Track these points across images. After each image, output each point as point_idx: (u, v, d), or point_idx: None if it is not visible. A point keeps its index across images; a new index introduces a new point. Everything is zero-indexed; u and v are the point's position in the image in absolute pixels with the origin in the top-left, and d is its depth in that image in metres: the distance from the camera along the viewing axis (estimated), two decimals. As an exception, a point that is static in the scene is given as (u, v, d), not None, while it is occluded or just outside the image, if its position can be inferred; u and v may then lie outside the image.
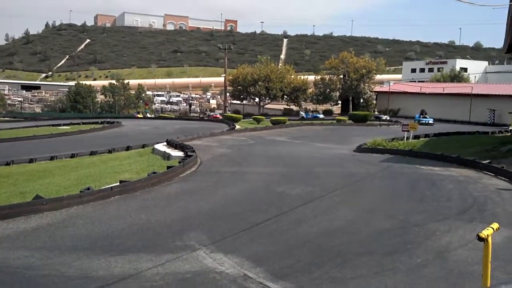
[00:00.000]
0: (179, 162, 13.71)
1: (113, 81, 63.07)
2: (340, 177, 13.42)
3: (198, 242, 7.04)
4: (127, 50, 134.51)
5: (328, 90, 52.83)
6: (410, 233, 7.76)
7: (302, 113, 50.62)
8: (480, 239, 3.55)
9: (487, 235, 3.58)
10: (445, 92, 45.82)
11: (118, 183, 10.76)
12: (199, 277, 5.73)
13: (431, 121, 38.58)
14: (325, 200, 10.34)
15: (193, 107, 66.35)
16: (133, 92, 62.01)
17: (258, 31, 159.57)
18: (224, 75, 55.95)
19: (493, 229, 3.72)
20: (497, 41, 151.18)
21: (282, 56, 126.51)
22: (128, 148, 22.13)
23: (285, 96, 53.16)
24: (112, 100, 59.78)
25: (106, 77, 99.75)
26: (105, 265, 6.13)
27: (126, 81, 62.56)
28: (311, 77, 58.25)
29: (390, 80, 63.19)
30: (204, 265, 6.16)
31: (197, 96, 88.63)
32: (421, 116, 39.54)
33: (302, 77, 55.65)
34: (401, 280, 5.72)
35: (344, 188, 11.82)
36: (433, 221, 8.41)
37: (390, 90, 49.75)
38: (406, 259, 6.46)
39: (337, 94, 53.95)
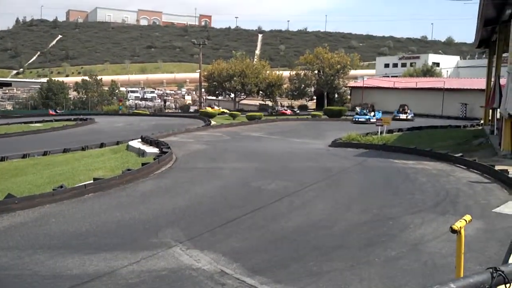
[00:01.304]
0: (154, 159, 13.61)
1: (86, 78, 62.11)
2: (316, 172, 13.49)
3: (174, 239, 7.00)
4: (100, 46, 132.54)
5: (303, 85, 53.00)
6: (384, 226, 7.85)
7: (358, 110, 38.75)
8: (453, 231, 3.59)
9: (460, 227, 3.62)
10: (418, 86, 46.43)
11: (92, 181, 10.61)
12: (175, 274, 5.70)
13: (410, 116, 37.11)
14: (301, 195, 10.39)
15: (168, 103, 65.78)
16: (106, 88, 61.18)
17: (232, 27, 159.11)
18: (199, 70, 55.63)
19: (465, 221, 3.76)
20: (469, 36, 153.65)
21: (257, 52, 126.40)
22: (102, 145, 21.86)
23: (261, 92, 53.15)
24: (85, 96, 58.89)
25: (79, 73, 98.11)
26: (79, 263, 6.05)
27: (99, 77, 61.67)
28: (286, 73, 58.34)
29: (364, 75, 63.74)
30: (180, 262, 6.12)
31: (172, 92, 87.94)
32: (401, 111, 38.05)
33: (277, 72, 55.71)
34: (376, 273, 5.78)
35: (319, 182, 11.88)
36: (407, 214, 8.53)
37: (364, 85, 50.21)
38: (381, 251, 6.53)
39: (312, 89, 54.17)
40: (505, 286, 1.50)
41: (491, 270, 1.47)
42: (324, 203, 9.78)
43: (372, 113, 36.03)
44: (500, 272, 1.44)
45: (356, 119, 35.47)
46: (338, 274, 5.73)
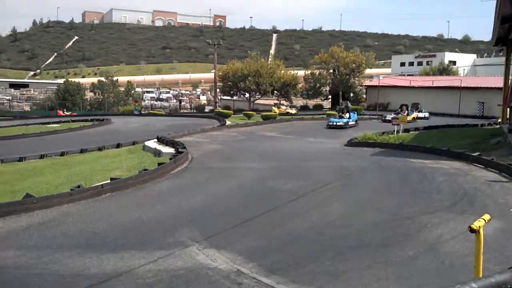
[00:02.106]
0: (170, 159, 13.67)
1: (102, 78, 62.65)
2: (332, 171, 13.44)
3: (191, 238, 7.03)
4: (116, 47, 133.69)
5: (318, 85, 52.83)
6: (401, 225, 7.80)
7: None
8: (472, 230, 3.56)
9: (479, 226, 3.59)
10: (434, 85, 46.00)
11: (109, 181, 10.70)
12: (192, 273, 5.72)
13: (422, 114, 35.42)
14: (317, 194, 10.36)
15: (183, 103, 66.08)
16: (122, 89, 61.66)
17: (247, 27, 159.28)
18: (214, 70, 55.75)
19: (484, 220, 3.73)
20: (485, 34, 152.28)
21: (272, 51, 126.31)
22: (118, 146, 22.00)
23: (275, 91, 53.10)
24: (101, 97, 59.41)
25: (95, 74, 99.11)
26: (97, 262, 6.11)
27: (115, 78, 62.18)
28: (301, 72, 58.21)
29: (379, 74, 63.39)
30: (197, 261, 6.15)
31: (187, 92, 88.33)
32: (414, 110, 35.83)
33: (292, 72, 55.61)
34: (393, 272, 5.75)
35: (335, 182, 11.84)
36: (424, 214, 8.46)
37: (380, 84, 49.88)
38: (398, 251, 6.49)
39: (327, 88, 53.97)
40: None
41: (513, 269, 1.45)
42: (340, 202, 9.75)
43: (347, 115, 30.78)
44: (522, 272, 1.42)
45: (333, 123, 29.86)
46: (355, 274, 5.71)
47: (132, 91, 62.68)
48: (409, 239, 7.06)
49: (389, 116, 32.53)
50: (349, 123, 29.85)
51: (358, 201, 9.94)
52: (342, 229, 7.75)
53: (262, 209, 8.89)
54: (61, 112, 49.76)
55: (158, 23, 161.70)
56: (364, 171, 13.65)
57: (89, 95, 63.02)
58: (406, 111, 33.77)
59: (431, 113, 37.67)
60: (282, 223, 8.15)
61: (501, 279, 1.42)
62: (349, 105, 32.96)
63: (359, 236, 7.34)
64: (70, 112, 51.13)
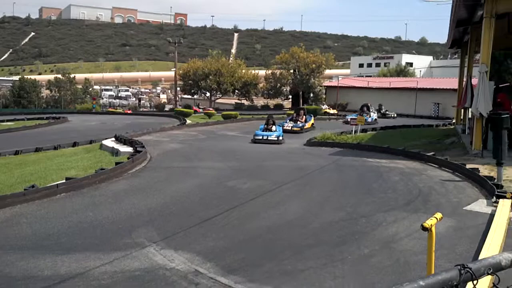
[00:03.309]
0: (128, 158, 13.47)
1: (59, 76, 61.17)
2: (291, 171, 13.54)
3: (148, 239, 6.94)
4: (74, 44, 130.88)
5: (279, 84, 53.19)
6: (358, 224, 7.93)
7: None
8: (424, 228, 3.65)
9: (431, 225, 3.68)
10: (391, 86, 47.02)
11: (64, 180, 10.45)
12: (149, 274, 5.65)
13: (371, 119, 33.75)
14: (276, 194, 10.42)
15: (142, 101, 65.27)
16: (79, 86, 60.40)
17: (208, 25, 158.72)
18: (175, 69, 55.33)
19: (436, 219, 3.83)
20: (442, 37, 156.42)
21: (233, 51, 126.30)
22: (74, 144, 21.55)
23: (236, 91, 53.16)
24: (58, 95, 58.02)
25: (52, 71, 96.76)
26: (51, 264, 5.96)
27: (72, 75, 60.83)
28: (262, 72, 58.47)
29: (339, 75, 64.30)
30: (154, 262, 6.08)
31: (146, 90, 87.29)
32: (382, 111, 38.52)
33: (253, 71, 55.79)
34: (350, 270, 5.84)
35: (294, 181, 11.94)
36: (380, 212, 8.62)
37: (339, 85, 50.61)
38: (355, 249, 6.60)
39: (288, 88, 54.41)
40: (473, 283, 1.53)
41: (459, 267, 1.49)
42: (298, 202, 9.82)
43: (303, 118, 29.29)
44: (468, 269, 1.47)
45: (290, 128, 27.49)
46: (312, 272, 5.76)
47: (90, 89, 61.48)
48: (365, 237, 7.19)
49: (348, 117, 33.28)
50: (305, 127, 28.22)
51: (316, 200, 10.05)
52: (300, 228, 7.81)
53: (221, 209, 8.86)
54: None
55: (118, 20, 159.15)
56: (322, 170, 13.81)
57: (45, 92, 61.44)
58: (366, 112, 34.34)
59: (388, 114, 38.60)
60: (241, 222, 8.16)
61: (448, 276, 1.46)
62: (304, 108, 32.04)
63: (316, 235, 7.41)
64: None
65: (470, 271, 1.50)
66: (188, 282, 5.44)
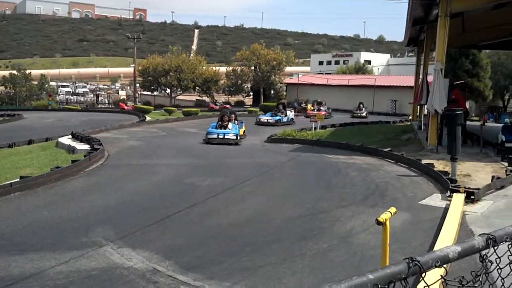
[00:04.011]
0: (85, 156, 13.19)
1: (14, 71, 59.28)
2: (251, 167, 13.57)
3: (105, 238, 6.82)
4: (29, 39, 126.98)
5: (239, 81, 53.18)
6: (317, 219, 8.01)
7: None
8: (379, 223, 3.72)
9: (385, 219, 3.76)
10: (350, 84, 47.73)
11: (18, 179, 10.15)
12: (106, 274, 5.55)
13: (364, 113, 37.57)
14: (236, 191, 10.42)
15: (100, 98, 64.01)
16: (35, 83, 58.74)
17: (168, 21, 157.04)
18: (134, 65, 54.52)
19: (391, 213, 3.91)
20: (399, 35, 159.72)
21: (194, 47, 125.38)
22: (30, 142, 20.96)
23: (197, 87, 52.84)
24: (13, 91, 56.23)
25: (7, 67, 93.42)
26: (3, 265, 5.78)
27: (28, 71, 59.07)
28: (223, 69, 58.32)
29: (299, 72, 64.77)
30: (111, 261, 5.98)
31: (105, 87, 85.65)
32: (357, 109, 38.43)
33: (214, 68, 55.57)
34: (308, 265, 5.90)
35: (254, 178, 11.97)
36: (338, 207, 8.75)
37: (299, 82, 51.00)
38: (313, 244, 6.66)
39: (249, 85, 54.48)
40: (421, 275, 1.57)
41: (407, 260, 1.53)
42: (259, 198, 9.86)
43: (284, 113, 30.61)
44: (416, 262, 1.50)
45: (266, 120, 29.85)
46: (271, 268, 5.79)
47: (46, 85, 59.86)
48: (324, 232, 7.28)
49: (261, 117, 33.49)
50: (282, 121, 29.48)
51: (276, 196, 10.11)
52: (260, 224, 7.84)
53: (181, 206, 8.80)
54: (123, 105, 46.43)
55: (75, 15, 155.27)
56: (282, 167, 13.90)
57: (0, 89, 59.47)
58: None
59: (346, 111, 39.13)
60: (201, 219, 8.12)
61: (396, 270, 1.49)
62: (284, 104, 33.70)
63: (276, 231, 7.45)
64: None
65: (419, 264, 1.54)
66: (146, 280, 5.38)
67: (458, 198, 8.77)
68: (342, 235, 7.14)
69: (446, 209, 8.27)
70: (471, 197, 8.99)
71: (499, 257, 1.96)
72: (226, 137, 19.35)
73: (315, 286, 5.27)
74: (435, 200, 9.43)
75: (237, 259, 6.10)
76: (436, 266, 1.61)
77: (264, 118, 30.16)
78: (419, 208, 8.86)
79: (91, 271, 5.65)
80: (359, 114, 37.62)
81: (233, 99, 56.48)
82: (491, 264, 1.86)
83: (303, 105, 41.09)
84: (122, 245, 6.53)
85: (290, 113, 32.02)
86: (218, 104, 49.98)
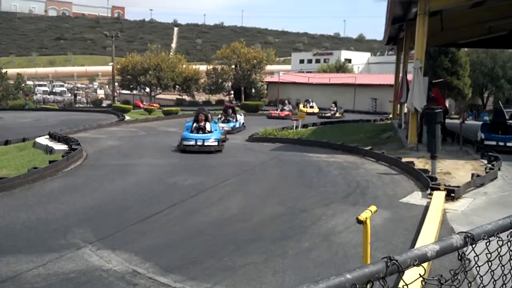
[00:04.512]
0: (63, 156, 12.97)
1: (-11, 71, 58.22)
2: (233, 167, 13.51)
3: (84, 240, 6.70)
4: (5, 37, 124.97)
5: (220, 80, 53.04)
6: (298, 218, 8.00)
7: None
8: (359, 221, 3.72)
9: (366, 217, 3.75)
10: (330, 82, 47.95)
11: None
12: (84, 276, 5.45)
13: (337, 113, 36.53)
14: (218, 190, 10.36)
15: (78, 97, 63.28)
16: (12, 82, 57.78)
17: (147, 19, 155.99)
18: (112, 63, 54.00)
19: (371, 211, 3.90)
20: (379, 34, 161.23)
21: (173, 45, 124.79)
22: (6, 143, 20.55)
23: (177, 86, 52.55)
24: (-12, 91, 55.23)
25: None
26: (-22, 269, 5.64)
27: (3, 70, 58.08)
28: (204, 67, 58.11)
29: (280, 71, 64.88)
30: (90, 263, 5.87)
31: (83, 85, 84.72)
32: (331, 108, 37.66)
33: (194, 66, 55.33)
34: (290, 264, 5.87)
35: (236, 177, 11.91)
36: (320, 206, 8.74)
37: (280, 81, 51.08)
38: (295, 243, 6.64)
39: (230, 84, 54.37)
40: (399, 274, 1.56)
41: (385, 259, 1.52)
42: (240, 197, 9.82)
43: (235, 118, 25.53)
44: (394, 261, 1.49)
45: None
46: (252, 268, 5.75)
47: (23, 84, 58.92)
48: (305, 231, 7.26)
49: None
50: (236, 127, 24.92)
51: (258, 195, 10.07)
52: (242, 224, 7.80)
53: (162, 206, 8.71)
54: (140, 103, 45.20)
55: (52, 13, 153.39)
56: (264, 165, 13.87)
57: (-26, 88, 58.31)
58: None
59: (326, 109, 38.99)
60: (182, 220, 8.04)
61: (375, 269, 1.47)
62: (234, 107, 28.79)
63: (258, 230, 7.42)
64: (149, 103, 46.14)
65: (397, 263, 1.54)
66: (126, 283, 5.29)
67: (439, 196, 8.84)
68: (323, 233, 7.13)
69: (426, 207, 8.32)
70: (451, 195, 9.06)
71: (477, 255, 1.97)
72: (206, 143, 16.22)
73: (295, 286, 5.24)
74: (416, 198, 9.49)
75: (218, 259, 6.04)
76: (414, 265, 1.61)
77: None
78: (400, 206, 8.91)
79: (69, 273, 5.54)
80: (323, 114, 36.27)
81: (214, 98, 56.31)
82: (469, 262, 1.87)
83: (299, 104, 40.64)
84: (101, 247, 6.42)
85: (241, 117, 26.51)
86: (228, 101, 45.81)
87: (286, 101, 39.41)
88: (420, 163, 12.55)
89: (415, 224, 7.48)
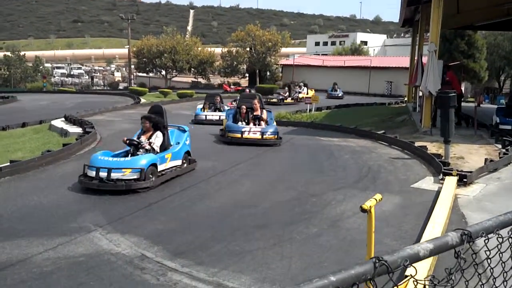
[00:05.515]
0: (77, 139, 13.09)
1: (8, 53, 58.69)
2: (243, 150, 13.48)
3: (94, 223, 6.78)
4: (23, 20, 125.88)
5: (235, 63, 52.80)
6: (308, 203, 7.99)
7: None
8: (363, 210, 3.66)
9: (370, 206, 3.70)
10: (345, 65, 47.44)
11: (8, 163, 10.06)
12: (93, 260, 5.52)
13: (340, 94, 35.89)
14: (228, 174, 10.37)
15: (95, 80, 63.62)
16: (30, 64, 58.26)
17: (163, 1, 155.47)
18: (128, 46, 54.04)
19: (376, 200, 3.86)
20: (395, 15, 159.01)
21: (189, 28, 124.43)
22: (24, 125, 20.80)
23: (192, 69, 52.47)
24: (7, 73, 55.76)
25: (1, 48, 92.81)
26: (-10, 251, 5.74)
27: (22, 53, 58.52)
28: (219, 50, 57.88)
29: (295, 53, 64.34)
30: (99, 246, 5.95)
31: (100, 68, 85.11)
32: (332, 90, 36.72)
33: (209, 49, 55.12)
34: (297, 250, 5.88)
35: (247, 161, 11.91)
36: (330, 191, 8.72)
37: (295, 63, 50.67)
38: (303, 229, 6.64)
39: (245, 67, 54.11)
40: (389, 276, 1.50)
41: (373, 259, 1.46)
42: (250, 182, 9.82)
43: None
44: (383, 262, 1.44)
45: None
46: (260, 253, 5.77)
47: (41, 67, 59.37)
48: (314, 216, 7.25)
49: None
50: (338, 95, 28.89)
51: (268, 179, 10.06)
52: (251, 209, 7.81)
53: (172, 190, 8.76)
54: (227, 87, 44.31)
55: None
56: (275, 149, 13.83)
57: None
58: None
59: (344, 92, 38.50)
60: (191, 204, 8.09)
61: (361, 270, 1.42)
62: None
63: (267, 215, 7.43)
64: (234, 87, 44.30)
65: (386, 264, 1.47)
66: (134, 267, 5.35)
67: (451, 181, 8.75)
68: (332, 219, 7.12)
69: (438, 193, 8.24)
70: (464, 180, 8.97)
71: (475, 253, 1.89)
72: (264, 136, 14.25)
73: (301, 271, 5.25)
74: (428, 183, 9.41)
75: (226, 244, 6.07)
76: (404, 266, 1.54)
77: (202, 114, 20.89)
78: (411, 191, 8.85)
79: (78, 257, 5.61)
80: (334, 95, 35.44)
81: (229, 80, 56.15)
82: (465, 262, 1.79)
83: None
84: (111, 231, 6.49)
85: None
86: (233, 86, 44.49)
87: (301, 83, 34.53)
88: (433, 148, 12.42)
89: (426, 210, 7.42)
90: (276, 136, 14.32)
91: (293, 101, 30.51)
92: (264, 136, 14.17)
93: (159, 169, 9.14)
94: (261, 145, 13.88)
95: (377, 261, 1.44)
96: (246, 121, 15.04)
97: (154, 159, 9.01)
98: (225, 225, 6.92)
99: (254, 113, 14.94)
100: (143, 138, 9.66)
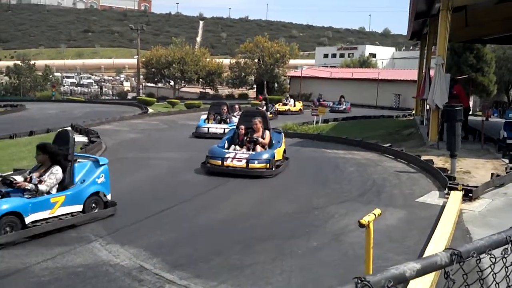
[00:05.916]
0: (81, 148, 13.09)
1: (19, 62, 59.21)
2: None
3: (94, 234, 6.75)
4: (34, 29, 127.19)
5: (243, 74, 52.94)
6: (310, 216, 7.92)
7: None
8: (361, 225, 3.60)
9: (368, 221, 3.64)
10: (353, 77, 47.38)
11: (11, 172, 10.07)
12: (91, 271, 5.49)
13: (344, 107, 34.00)
14: (232, 185, 10.32)
15: (104, 89, 64.00)
16: (40, 73, 58.72)
17: (173, 12, 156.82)
18: (137, 56, 54.37)
19: (375, 215, 3.80)
20: (404, 28, 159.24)
21: (198, 39, 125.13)
22: (31, 133, 20.88)
23: (201, 80, 52.65)
24: (17, 82, 56.20)
25: (12, 57, 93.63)
26: (-12, 261, 5.72)
27: (32, 62, 58.99)
28: (227, 61, 58.09)
29: (304, 65, 64.40)
30: (98, 257, 5.91)
31: (110, 78, 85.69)
32: (338, 103, 35.02)
33: (217, 60, 55.35)
34: (297, 264, 5.81)
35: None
36: (333, 204, 8.64)
37: (302, 75, 50.70)
38: (304, 243, 6.57)
39: (253, 78, 54.22)
40: None
41: (356, 280, 1.41)
42: (254, 193, 9.77)
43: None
44: (365, 282, 1.39)
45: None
46: (260, 267, 5.71)
47: (50, 76, 59.80)
48: (316, 230, 7.18)
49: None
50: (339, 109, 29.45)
51: (272, 191, 10.01)
52: (253, 221, 7.75)
53: (175, 201, 8.72)
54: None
55: (80, 6, 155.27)
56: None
57: (4, 79, 59.48)
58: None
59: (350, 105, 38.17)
60: (193, 215, 8.04)
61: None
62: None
63: (268, 228, 7.36)
64: None
65: (368, 284, 1.42)
66: (132, 278, 5.30)
67: (456, 196, 8.64)
68: (334, 232, 7.04)
69: (443, 207, 8.13)
70: (469, 195, 8.86)
71: (466, 274, 1.82)
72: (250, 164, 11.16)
73: (301, 286, 5.18)
74: (433, 197, 9.30)
75: (226, 257, 6.02)
76: (388, 287, 1.49)
77: (204, 127, 19.40)
78: (416, 205, 8.75)
79: (77, 267, 5.58)
80: (336, 109, 33.37)
81: (237, 91, 56.25)
82: (453, 284, 1.73)
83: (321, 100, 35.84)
84: (110, 241, 6.46)
85: (236, 119, 18.10)
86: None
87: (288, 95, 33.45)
88: (439, 161, 12.31)
89: (430, 225, 7.31)
90: (267, 165, 11.12)
91: (271, 115, 24.50)
92: (250, 165, 11.05)
93: (36, 218, 6.65)
94: (245, 176, 10.86)
95: (359, 281, 1.40)
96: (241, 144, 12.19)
97: (16, 206, 6.43)
98: (227, 238, 6.86)
99: (255, 135, 12.16)
100: (35, 175, 7.14)
